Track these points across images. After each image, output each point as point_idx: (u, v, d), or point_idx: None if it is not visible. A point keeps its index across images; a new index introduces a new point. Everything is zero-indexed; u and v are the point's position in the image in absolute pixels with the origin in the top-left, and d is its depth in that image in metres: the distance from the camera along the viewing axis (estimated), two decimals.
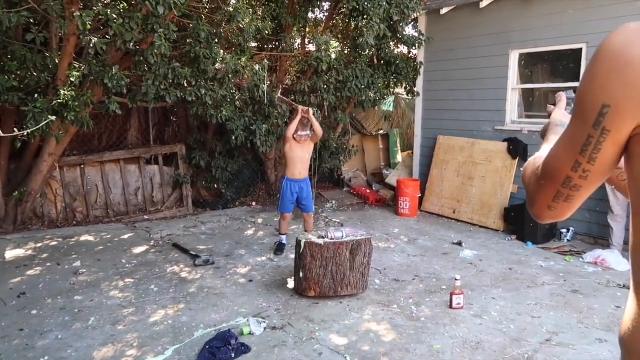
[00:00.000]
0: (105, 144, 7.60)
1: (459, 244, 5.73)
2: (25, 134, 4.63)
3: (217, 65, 5.76)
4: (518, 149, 6.41)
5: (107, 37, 4.70)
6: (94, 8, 4.40)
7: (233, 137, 6.72)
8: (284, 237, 5.56)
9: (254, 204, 8.20)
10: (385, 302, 4.11)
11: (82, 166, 7.00)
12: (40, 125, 4.70)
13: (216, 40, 5.55)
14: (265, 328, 3.60)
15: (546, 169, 0.87)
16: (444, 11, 7.45)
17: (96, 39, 4.31)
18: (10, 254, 5.38)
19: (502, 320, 3.76)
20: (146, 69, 5.09)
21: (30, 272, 4.84)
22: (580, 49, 5.98)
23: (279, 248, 5.48)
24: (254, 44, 6.93)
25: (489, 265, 5.06)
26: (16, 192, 5.85)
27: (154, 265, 5.06)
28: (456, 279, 3.98)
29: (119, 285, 4.52)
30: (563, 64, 6.57)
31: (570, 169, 0.82)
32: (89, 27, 4.21)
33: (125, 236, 6.27)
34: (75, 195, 7.03)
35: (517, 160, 6.42)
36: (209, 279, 4.65)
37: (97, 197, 7.22)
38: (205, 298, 4.22)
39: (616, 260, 5.01)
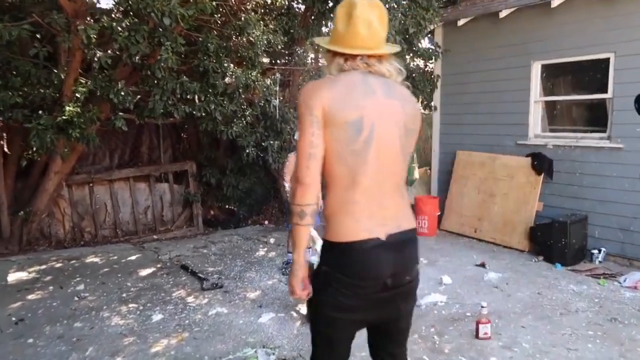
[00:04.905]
0: (117, 162, 7.44)
1: (483, 265, 5.39)
2: (30, 152, 4.47)
3: (227, 80, 5.57)
4: (543, 164, 6.07)
5: (114, 51, 4.53)
6: (101, 21, 4.24)
7: (244, 154, 6.51)
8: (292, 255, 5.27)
9: (266, 222, 7.95)
10: None
11: (91, 184, 6.84)
12: (44, 143, 4.54)
13: (226, 54, 5.37)
14: None
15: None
16: (461, 22, 7.20)
17: (101, 53, 4.14)
18: (13, 277, 5.18)
19: (535, 352, 3.42)
20: (154, 83, 4.91)
21: (31, 297, 4.62)
22: (608, 59, 5.67)
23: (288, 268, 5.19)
24: (266, 59, 6.74)
25: (516, 289, 4.70)
26: (21, 212, 5.68)
27: (160, 289, 4.81)
28: (482, 306, 3.65)
29: (121, 311, 4.28)
30: (589, 75, 6.25)
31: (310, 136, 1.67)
32: (94, 40, 4.05)
33: (133, 257, 6.06)
34: (83, 215, 6.87)
35: (542, 176, 6.08)
36: (217, 304, 4.38)
37: (105, 216, 7.04)
38: (211, 326, 3.95)
39: None
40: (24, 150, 5.46)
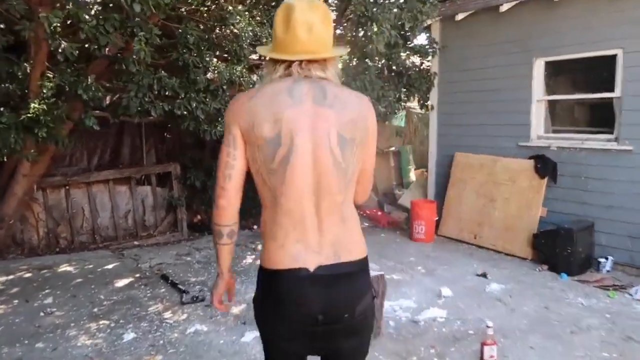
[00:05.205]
0: (96, 164, 7.03)
1: (484, 275, 5.04)
2: None
3: (209, 75, 5.18)
4: (547, 167, 5.73)
5: (82, 42, 4.13)
6: (66, 8, 3.82)
7: None
8: None
9: (255, 227, 7.56)
10: (402, 352, 3.43)
11: (67, 187, 6.42)
12: (7, 143, 4.14)
13: (208, 47, 4.98)
14: None
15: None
16: (459, 17, 6.85)
17: (65, 44, 3.73)
18: None
19: None
20: (128, 78, 4.51)
21: None
22: (615, 55, 5.34)
23: None
24: (254, 56, 6.35)
25: (521, 302, 4.36)
26: None
27: (136, 303, 4.43)
28: (488, 326, 3.30)
29: (90, 328, 3.89)
30: (595, 72, 5.93)
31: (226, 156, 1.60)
32: (59, 30, 3.65)
33: (110, 266, 5.66)
34: (58, 220, 6.45)
35: (545, 180, 5.74)
36: (196, 321, 4.00)
37: (83, 222, 6.63)
38: (188, 346, 3.57)
39: None
40: None
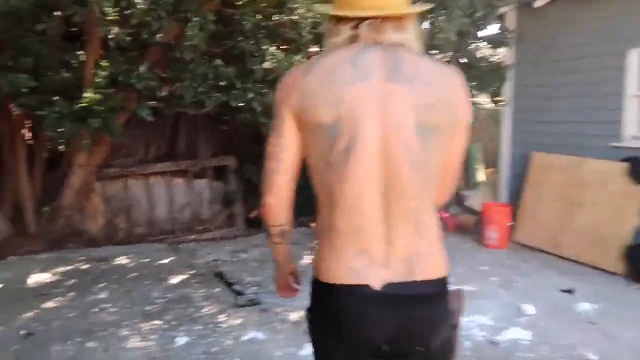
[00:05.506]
0: (153, 155, 6.95)
1: (570, 291, 4.47)
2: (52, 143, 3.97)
3: (267, 65, 4.91)
4: None
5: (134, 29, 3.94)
6: None
7: None
8: None
9: (313, 224, 7.27)
10: None
11: (125, 179, 6.37)
12: (65, 133, 4.02)
13: (265, 35, 4.70)
14: None
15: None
16: (538, 4, 6.21)
17: (117, 30, 3.54)
18: (34, 279, 4.74)
19: None
20: (183, 67, 4.30)
21: (47, 305, 4.14)
22: None
23: None
24: (315, 48, 6.03)
25: (620, 327, 3.75)
26: (46, 208, 5.25)
27: (190, 303, 4.22)
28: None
29: (143, 329, 3.70)
30: None
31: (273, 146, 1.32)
32: (110, 15, 3.46)
33: (166, 260, 5.53)
34: (117, 211, 6.42)
35: None
36: (251, 327, 3.72)
37: (140, 214, 6.57)
38: (243, 356, 3.30)
39: None
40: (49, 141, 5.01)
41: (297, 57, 4.93)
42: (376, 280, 1.22)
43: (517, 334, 3.61)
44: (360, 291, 1.22)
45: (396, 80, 1.21)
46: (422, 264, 1.26)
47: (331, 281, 1.26)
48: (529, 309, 4.02)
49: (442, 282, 1.30)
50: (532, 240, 5.94)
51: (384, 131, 1.21)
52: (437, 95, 1.24)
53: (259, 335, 3.59)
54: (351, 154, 1.20)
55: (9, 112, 5.21)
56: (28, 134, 5.90)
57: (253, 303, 4.16)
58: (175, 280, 4.85)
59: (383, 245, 1.24)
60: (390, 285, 1.22)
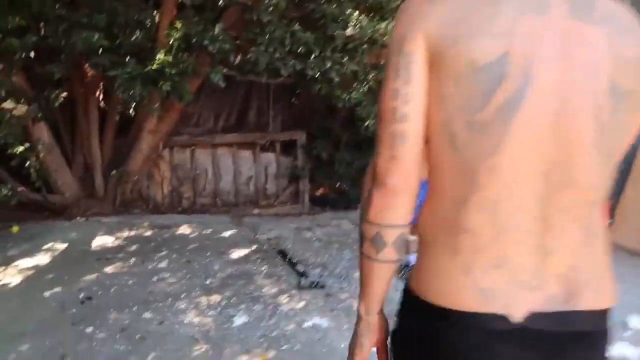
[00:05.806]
0: (222, 126, 6.81)
1: None
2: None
3: (349, 31, 4.53)
4: None
5: None
6: None
7: (363, 126, 5.45)
8: (413, 257, 4.14)
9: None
10: None
11: (192, 148, 6.26)
12: (134, 95, 3.87)
13: None
14: None
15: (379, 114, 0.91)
16: None
17: None
18: (98, 242, 4.70)
19: None
20: (260, 30, 4.01)
21: (108, 269, 4.05)
22: None
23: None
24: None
25: None
26: (115, 171, 5.21)
27: (250, 280, 3.98)
28: None
29: (200, 304, 3.50)
30: None
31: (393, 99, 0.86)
32: None
33: (228, 233, 5.35)
34: (182, 180, 6.34)
35: None
36: (315, 312, 3.42)
37: (205, 183, 6.46)
38: (305, 344, 3.00)
39: None
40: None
41: (383, 24, 4.53)
42: (518, 307, 0.84)
43: (623, 349, 3.06)
44: (491, 323, 0.84)
45: (585, 20, 0.82)
46: (590, 287, 0.87)
47: (447, 305, 0.87)
48: (636, 323, 3.45)
49: (607, 316, 0.92)
50: (633, 242, 5.23)
51: (564, 86, 0.82)
52: (634, 49, 0.84)
53: (323, 322, 3.28)
54: (517, 110, 0.81)
55: (83, 74, 5.19)
56: (101, 98, 5.90)
57: (317, 286, 3.86)
58: (236, 254, 4.64)
59: (534, 255, 0.85)
60: (538, 316, 0.84)
